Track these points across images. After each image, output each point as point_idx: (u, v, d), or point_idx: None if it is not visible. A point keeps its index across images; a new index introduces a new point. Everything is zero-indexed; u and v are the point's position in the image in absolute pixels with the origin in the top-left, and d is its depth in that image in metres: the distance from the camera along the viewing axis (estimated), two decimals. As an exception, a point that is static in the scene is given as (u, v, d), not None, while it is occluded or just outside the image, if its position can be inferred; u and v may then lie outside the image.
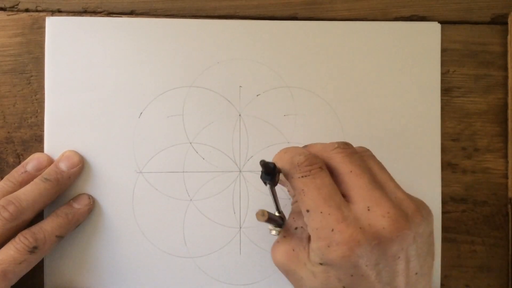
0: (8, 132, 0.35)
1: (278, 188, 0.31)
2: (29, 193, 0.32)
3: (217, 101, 0.36)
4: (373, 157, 0.30)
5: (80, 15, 0.36)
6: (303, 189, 0.27)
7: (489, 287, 0.37)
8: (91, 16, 0.36)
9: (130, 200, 0.35)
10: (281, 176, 0.29)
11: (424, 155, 0.36)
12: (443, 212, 0.36)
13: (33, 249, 0.31)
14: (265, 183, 0.28)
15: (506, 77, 0.37)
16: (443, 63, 0.37)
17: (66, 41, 0.35)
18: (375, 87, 0.36)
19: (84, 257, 0.35)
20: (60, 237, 0.32)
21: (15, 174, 0.33)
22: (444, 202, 0.36)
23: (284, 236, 0.29)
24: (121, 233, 0.35)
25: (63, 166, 0.33)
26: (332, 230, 0.25)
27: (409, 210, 0.27)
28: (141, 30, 0.35)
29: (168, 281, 0.35)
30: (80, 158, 0.34)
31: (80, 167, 0.34)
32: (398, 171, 0.36)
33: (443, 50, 0.37)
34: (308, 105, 0.36)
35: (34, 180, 0.33)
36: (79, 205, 0.34)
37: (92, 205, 0.34)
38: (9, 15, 0.35)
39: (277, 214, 0.29)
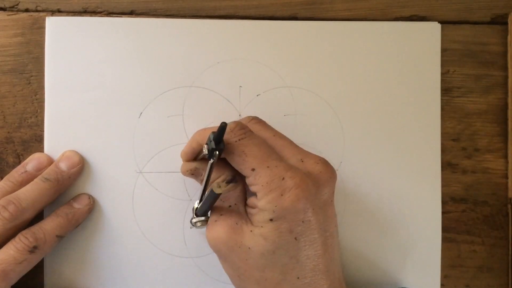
0: (8, 132, 0.35)
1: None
2: (29, 193, 0.32)
3: (217, 101, 0.36)
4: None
5: (80, 15, 0.36)
6: (243, 151, 0.28)
7: (489, 287, 0.37)
8: (91, 16, 0.36)
9: (130, 200, 0.35)
10: (195, 165, 0.31)
11: (424, 155, 0.36)
12: (443, 212, 0.36)
13: (33, 249, 0.31)
14: (212, 156, 0.27)
15: (506, 77, 0.37)
16: (443, 63, 0.37)
17: (66, 41, 0.35)
18: (375, 87, 0.36)
19: (84, 257, 0.35)
20: (60, 237, 0.32)
21: (15, 174, 0.33)
22: (444, 202, 0.36)
23: (221, 215, 0.29)
24: (121, 233, 0.35)
25: (63, 166, 0.33)
26: (283, 178, 0.27)
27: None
28: (141, 30, 0.35)
29: (168, 281, 0.35)
30: (80, 158, 0.34)
31: (80, 167, 0.34)
32: (398, 171, 0.36)
33: (443, 50, 0.37)
34: (308, 105, 0.36)
35: (34, 180, 0.33)
36: (79, 205, 0.34)
37: (92, 205, 0.34)
38: (9, 15, 0.35)
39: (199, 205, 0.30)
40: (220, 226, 0.29)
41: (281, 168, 0.27)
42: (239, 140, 0.28)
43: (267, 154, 0.28)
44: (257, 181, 0.27)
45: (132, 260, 0.35)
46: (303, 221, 0.27)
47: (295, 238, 0.27)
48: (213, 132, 0.27)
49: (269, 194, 0.27)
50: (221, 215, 0.29)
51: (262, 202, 0.27)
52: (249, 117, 0.32)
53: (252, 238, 0.27)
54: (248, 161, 0.28)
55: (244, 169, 0.28)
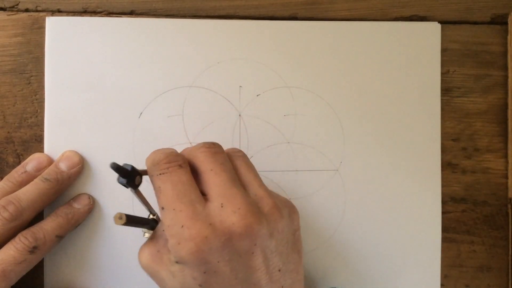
0: (8, 132, 0.35)
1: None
2: (29, 193, 0.32)
3: (217, 101, 0.36)
4: (243, 157, 0.30)
5: (80, 15, 0.36)
6: (159, 186, 0.27)
7: (489, 287, 0.37)
8: (91, 16, 0.36)
9: (130, 200, 0.35)
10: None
11: (424, 155, 0.36)
12: (443, 212, 0.36)
13: (33, 249, 0.31)
14: (125, 186, 0.27)
15: (506, 77, 0.37)
16: (443, 63, 0.37)
17: (66, 41, 0.35)
18: (375, 87, 0.36)
19: (84, 257, 0.35)
20: (60, 237, 0.32)
21: (15, 174, 0.33)
22: (444, 202, 0.36)
23: (151, 238, 0.28)
24: (121, 233, 0.35)
25: (63, 166, 0.33)
26: (182, 226, 0.25)
27: (266, 207, 0.27)
28: (141, 30, 0.35)
29: (168, 281, 0.35)
30: (80, 158, 0.34)
31: (80, 167, 0.34)
32: (398, 171, 0.36)
33: (443, 50, 0.37)
34: (308, 105, 0.36)
35: (34, 180, 0.33)
36: (79, 205, 0.34)
37: (92, 205, 0.34)
38: (9, 15, 0.35)
39: (151, 217, 0.29)
40: (144, 251, 0.28)
41: (184, 214, 0.25)
42: (159, 174, 0.27)
43: (179, 195, 0.26)
44: (163, 221, 0.26)
45: (132, 260, 0.35)
46: (205, 272, 0.25)
47: (199, 285, 0.26)
48: (121, 167, 0.26)
49: (170, 239, 0.26)
50: (151, 238, 0.29)
51: (168, 244, 0.26)
52: (201, 144, 0.29)
53: (166, 271, 0.27)
54: (160, 198, 0.27)
55: (158, 205, 0.27)
